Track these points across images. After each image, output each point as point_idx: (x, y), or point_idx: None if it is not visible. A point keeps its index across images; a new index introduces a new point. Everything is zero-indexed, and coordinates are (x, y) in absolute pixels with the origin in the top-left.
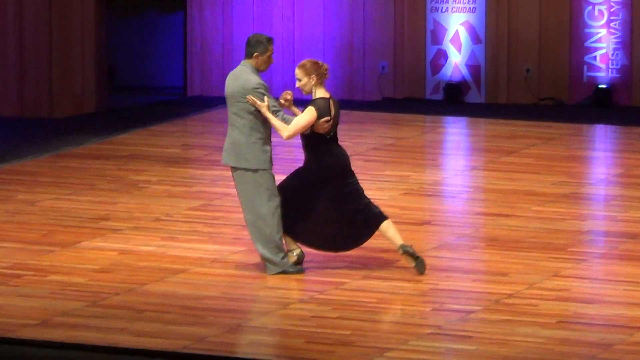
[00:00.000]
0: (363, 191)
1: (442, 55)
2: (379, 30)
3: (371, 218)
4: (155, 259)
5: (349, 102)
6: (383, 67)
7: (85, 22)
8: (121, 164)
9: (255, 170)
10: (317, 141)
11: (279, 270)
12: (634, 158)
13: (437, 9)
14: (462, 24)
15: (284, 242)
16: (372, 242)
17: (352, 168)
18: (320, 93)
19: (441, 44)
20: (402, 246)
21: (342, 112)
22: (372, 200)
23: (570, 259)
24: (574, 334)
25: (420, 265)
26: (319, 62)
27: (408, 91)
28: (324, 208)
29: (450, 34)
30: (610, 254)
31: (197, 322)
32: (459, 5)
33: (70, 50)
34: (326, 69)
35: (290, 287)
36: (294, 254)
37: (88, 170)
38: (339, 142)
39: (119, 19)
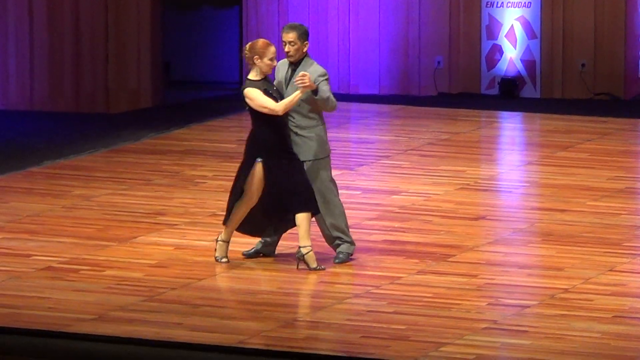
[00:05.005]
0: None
1: (498, 50)
2: (435, 25)
3: None
4: (211, 254)
5: (405, 97)
6: (438, 62)
7: (141, 17)
8: (177, 159)
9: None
10: None
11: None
12: None
13: (492, 4)
14: (517, 19)
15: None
16: (427, 237)
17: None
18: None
19: (496, 39)
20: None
21: (397, 107)
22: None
23: (626, 253)
24: (630, 329)
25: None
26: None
27: (463, 86)
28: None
29: (505, 29)
30: None
31: (252, 317)
32: (514, 0)
33: (126, 45)
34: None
35: (345, 282)
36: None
37: (144, 166)
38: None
39: (175, 13)
